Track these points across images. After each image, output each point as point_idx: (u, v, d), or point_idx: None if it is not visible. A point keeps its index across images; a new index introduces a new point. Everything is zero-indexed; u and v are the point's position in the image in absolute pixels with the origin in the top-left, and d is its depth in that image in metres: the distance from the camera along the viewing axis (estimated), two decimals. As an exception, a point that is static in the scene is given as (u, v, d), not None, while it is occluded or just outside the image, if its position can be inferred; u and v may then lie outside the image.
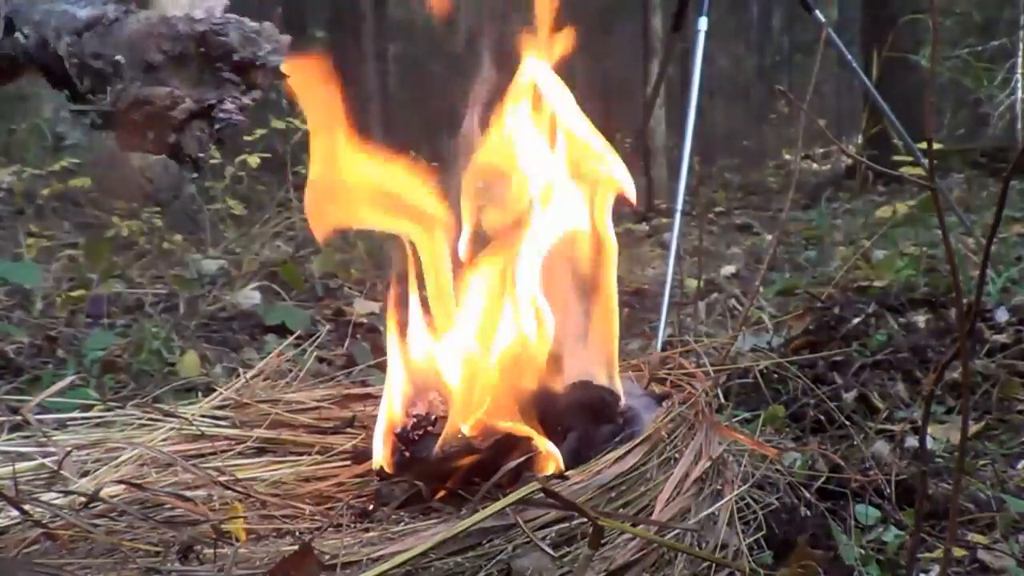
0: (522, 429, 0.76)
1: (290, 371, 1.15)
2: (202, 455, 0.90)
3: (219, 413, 0.97)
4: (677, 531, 0.70)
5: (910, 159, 2.34)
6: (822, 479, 1.07)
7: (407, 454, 0.78)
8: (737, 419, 1.33)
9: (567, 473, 0.72)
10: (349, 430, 0.97)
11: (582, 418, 0.80)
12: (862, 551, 0.92)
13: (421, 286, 0.86)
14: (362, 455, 0.88)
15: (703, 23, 2.08)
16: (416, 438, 0.78)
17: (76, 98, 0.69)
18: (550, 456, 0.76)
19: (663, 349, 1.26)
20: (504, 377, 0.77)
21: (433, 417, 0.80)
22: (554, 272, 0.85)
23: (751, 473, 0.90)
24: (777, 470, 1.05)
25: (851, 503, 1.02)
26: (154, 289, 2.55)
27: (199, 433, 0.93)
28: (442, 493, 0.77)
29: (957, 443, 1.14)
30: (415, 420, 0.79)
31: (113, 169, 4.12)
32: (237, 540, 0.71)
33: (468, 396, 0.78)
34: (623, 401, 0.83)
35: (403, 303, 0.85)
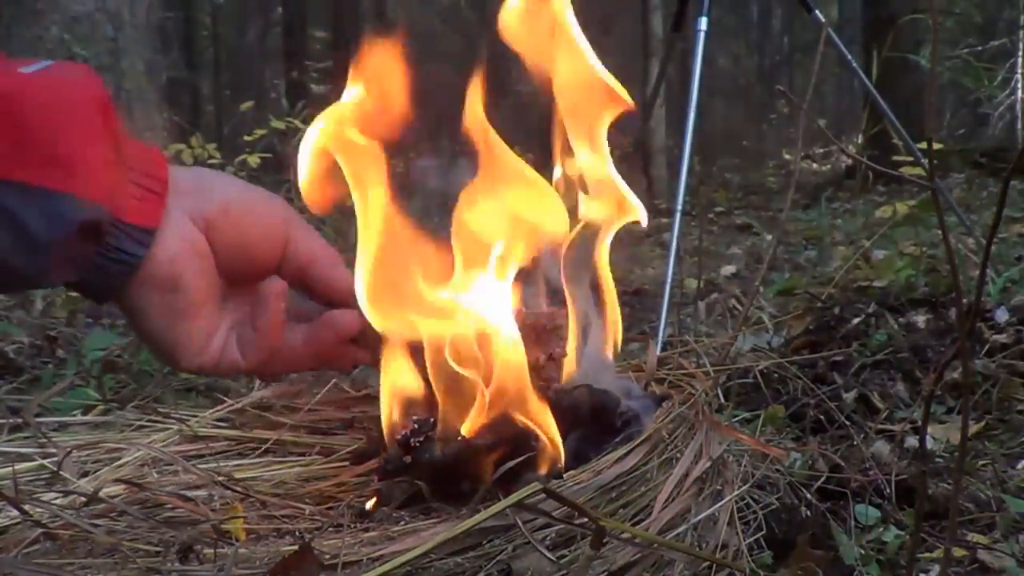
0: (536, 419, 0.75)
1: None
2: (201, 456, 0.90)
3: (219, 414, 0.97)
4: (677, 532, 0.70)
5: (910, 159, 2.34)
6: (822, 479, 1.07)
7: (407, 459, 0.78)
8: (737, 419, 1.33)
9: (567, 474, 0.72)
10: (349, 431, 0.96)
11: (582, 420, 0.80)
12: (862, 551, 0.92)
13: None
14: (363, 456, 0.88)
15: (703, 23, 2.08)
16: (417, 444, 0.78)
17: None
18: (555, 450, 0.75)
19: (663, 349, 1.26)
20: (500, 375, 0.77)
21: (432, 420, 0.80)
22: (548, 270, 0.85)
23: (751, 473, 0.90)
24: (777, 470, 1.05)
25: (851, 503, 1.02)
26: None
27: (199, 434, 0.93)
28: (442, 493, 0.77)
29: (957, 443, 1.14)
30: (416, 426, 0.79)
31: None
32: (237, 540, 0.71)
33: (462, 396, 0.78)
34: (623, 402, 0.83)
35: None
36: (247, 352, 0.75)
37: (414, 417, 0.79)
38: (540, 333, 0.80)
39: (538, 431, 0.75)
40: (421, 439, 0.77)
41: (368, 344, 0.80)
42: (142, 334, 0.73)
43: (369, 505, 0.77)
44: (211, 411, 0.96)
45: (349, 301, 0.79)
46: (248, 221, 0.74)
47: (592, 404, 0.81)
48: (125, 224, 0.67)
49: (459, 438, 0.77)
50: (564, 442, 0.77)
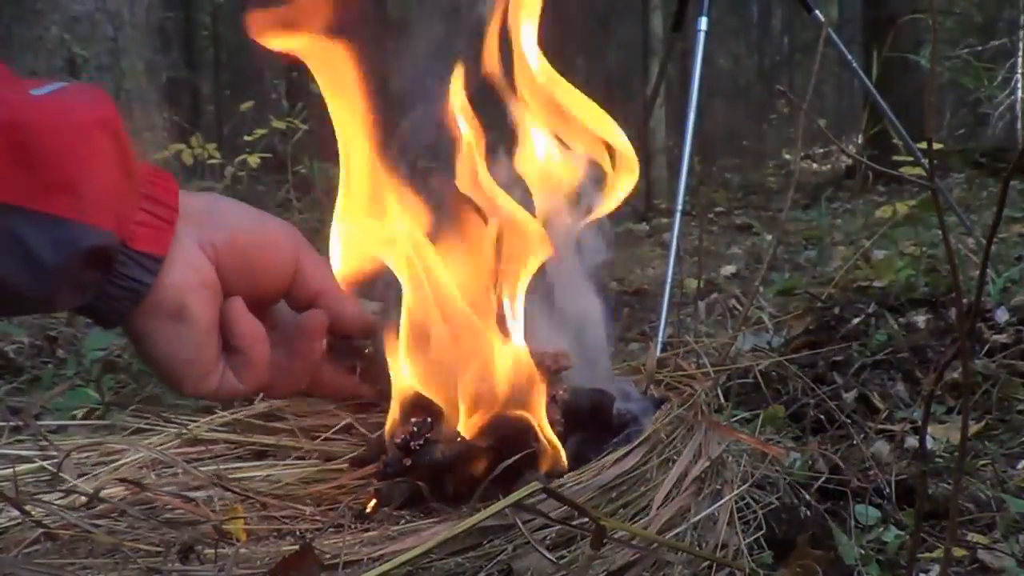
0: (532, 419, 0.75)
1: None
2: (201, 459, 0.90)
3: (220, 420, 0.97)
4: (677, 531, 0.70)
5: (910, 159, 2.34)
6: (822, 479, 1.07)
7: (407, 462, 0.78)
8: (737, 419, 1.33)
9: (567, 474, 0.72)
10: (350, 434, 0.96)
11: (580, 422, 0.80)
12: (862, 551, 0.92)
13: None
14: (363, 460, 0.88)
15: (703, 23, 2.08)
16: (417, 448, 0.77)
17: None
18: (555, 451, 0.75)
19: (663, 350, 1.26)
20: (500, 376, 0.77)
21: (430, 422, 0.80)
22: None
23: (751, 473, 0.90)
24: (777, 470, 1.05)
25: (851, 503, 1.02)
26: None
27: (199, 438, 0.93)
28: (442, 494, 0.77)
29: (957, 443, 1.14)
30: (415, 429, 0.79)
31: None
32: (238, 540, 0.71)
33: (460, 398, 0.78)
34: (622, 404, 0.83)
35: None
36: (243, 375, 0.75)
37: (413, 420, 0.79)
38: (544, 374, 0.80)
39: (537, 432, 0.75)
40: (421, 442, 0.77)
41: (370, 377, 0.80)
42: (147, 360, 0.73)
43: (369, 506, 0.77)
44: (212, 417, 0.96)
45: (356, 333, 0.79)
46: (258, 251, 0.74)
47: (591, 404, 0.81)
48: (133, 251, 0.66)
49: (459, 439, 0.77)
50: (564, 443, 0.77)
